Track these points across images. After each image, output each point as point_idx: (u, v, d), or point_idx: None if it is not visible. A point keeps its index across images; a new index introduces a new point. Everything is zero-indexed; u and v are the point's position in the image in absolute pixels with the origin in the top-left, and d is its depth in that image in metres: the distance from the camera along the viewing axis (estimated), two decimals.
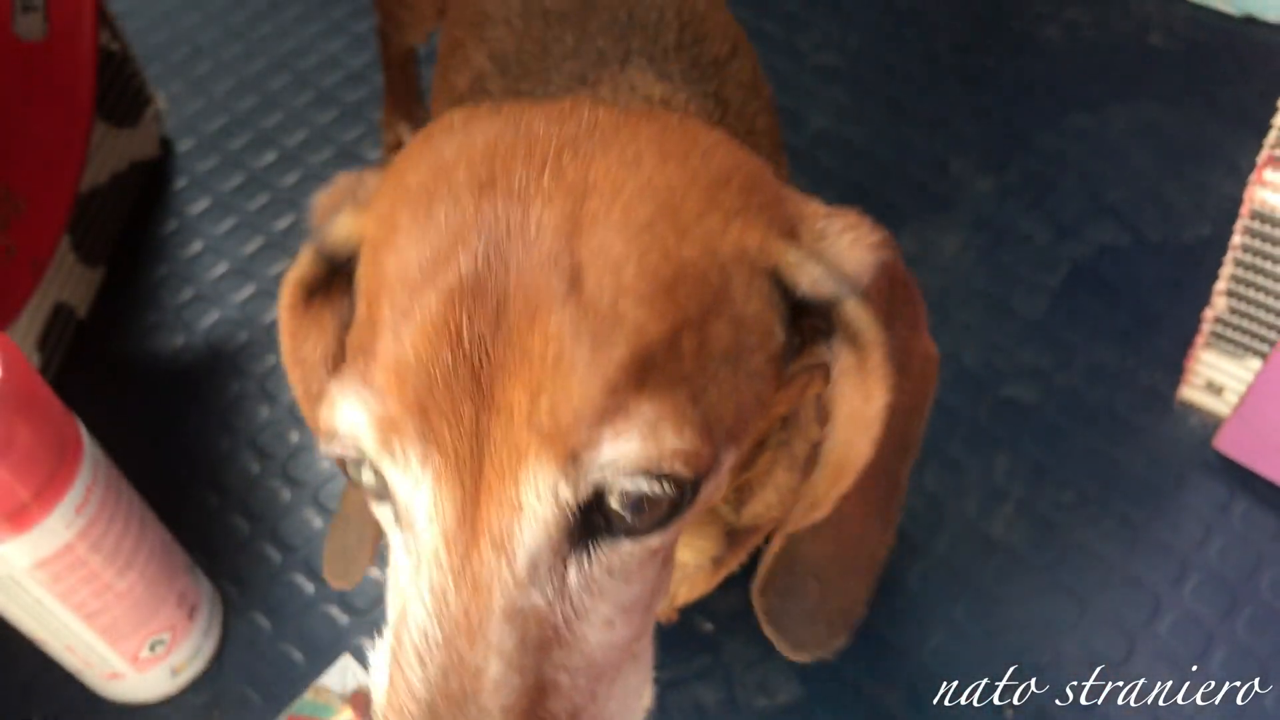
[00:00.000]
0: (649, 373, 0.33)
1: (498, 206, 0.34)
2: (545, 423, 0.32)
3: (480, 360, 0.33)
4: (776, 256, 0.37)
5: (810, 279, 0.37)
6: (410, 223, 0.35)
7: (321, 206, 0.43)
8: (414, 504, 0.34)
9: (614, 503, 0.34)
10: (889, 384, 0.38)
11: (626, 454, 0.32)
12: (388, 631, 0.37)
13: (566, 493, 0.33)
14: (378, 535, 0.51)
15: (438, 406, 0.33)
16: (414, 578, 0.35)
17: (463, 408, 0.33)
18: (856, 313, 0.37)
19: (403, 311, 0.34)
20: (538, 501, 0.33)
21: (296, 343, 0.45)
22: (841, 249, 0.38)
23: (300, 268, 0.42)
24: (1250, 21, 1.15)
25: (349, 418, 0.35)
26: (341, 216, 0.40)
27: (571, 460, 0.32)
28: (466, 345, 0.33)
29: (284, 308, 0.44)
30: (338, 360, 0.45)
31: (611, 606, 0.36)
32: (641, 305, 0.33)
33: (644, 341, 0.33)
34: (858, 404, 0.39)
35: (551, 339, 0.32)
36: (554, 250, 0.33)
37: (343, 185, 0.43)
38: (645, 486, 0.34)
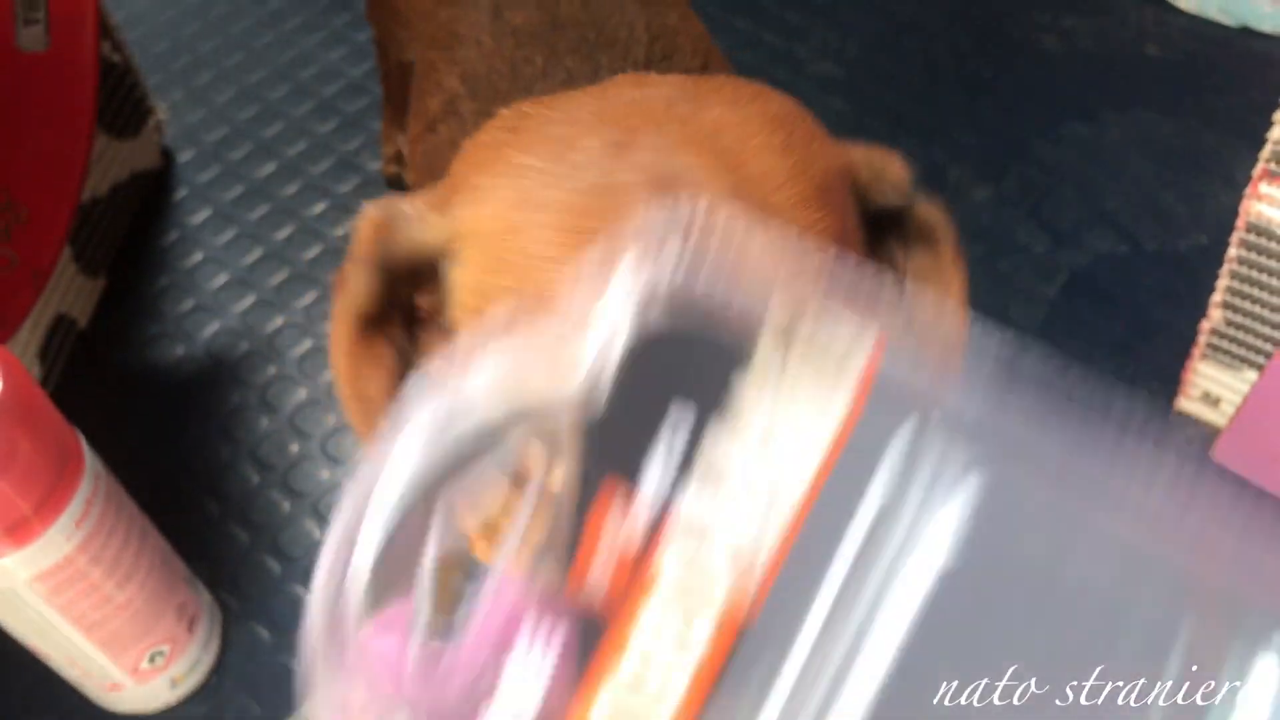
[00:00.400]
0: None
1: (645, 157, 0.35)
2: None
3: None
4: (856, 173, 0.41)
5: (882, 191, 0.42)
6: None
7: (371, 229, 0.41)
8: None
9: None
10: (962, 268, 0.43)
11: None
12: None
13: None
14: None
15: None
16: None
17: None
18: (930, 213, 0.43)
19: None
20: None
21: (358, 382, 0.44)
22: (891, 167, 0.43)
23: (357, 298, 0.41)
24: (1247, 32, 1.16)
25: None
26: (423, 223, 0.40)
27: None
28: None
29: (342, 350, 0.43)
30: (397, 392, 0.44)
31: None
32: (814, 209, 0.36)
33: (831, 239, 0.37)
34: (941, 294, 0.43)
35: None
36: (721, 186, 0.34)
37: (385, 206, 0.41)
38: None
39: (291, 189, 1.11)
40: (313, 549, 0.86)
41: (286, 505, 0.88)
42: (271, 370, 0.98)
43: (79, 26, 0.96)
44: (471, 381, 0.27)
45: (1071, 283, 0.97)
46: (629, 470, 0.25)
